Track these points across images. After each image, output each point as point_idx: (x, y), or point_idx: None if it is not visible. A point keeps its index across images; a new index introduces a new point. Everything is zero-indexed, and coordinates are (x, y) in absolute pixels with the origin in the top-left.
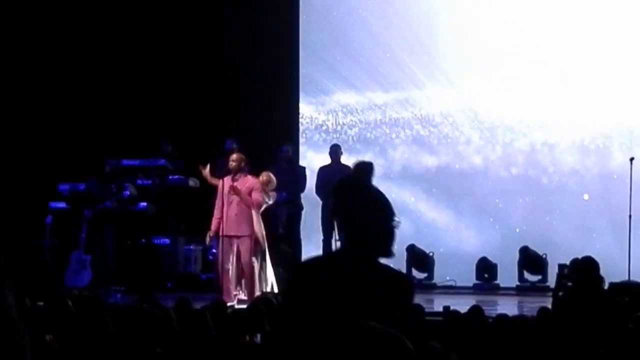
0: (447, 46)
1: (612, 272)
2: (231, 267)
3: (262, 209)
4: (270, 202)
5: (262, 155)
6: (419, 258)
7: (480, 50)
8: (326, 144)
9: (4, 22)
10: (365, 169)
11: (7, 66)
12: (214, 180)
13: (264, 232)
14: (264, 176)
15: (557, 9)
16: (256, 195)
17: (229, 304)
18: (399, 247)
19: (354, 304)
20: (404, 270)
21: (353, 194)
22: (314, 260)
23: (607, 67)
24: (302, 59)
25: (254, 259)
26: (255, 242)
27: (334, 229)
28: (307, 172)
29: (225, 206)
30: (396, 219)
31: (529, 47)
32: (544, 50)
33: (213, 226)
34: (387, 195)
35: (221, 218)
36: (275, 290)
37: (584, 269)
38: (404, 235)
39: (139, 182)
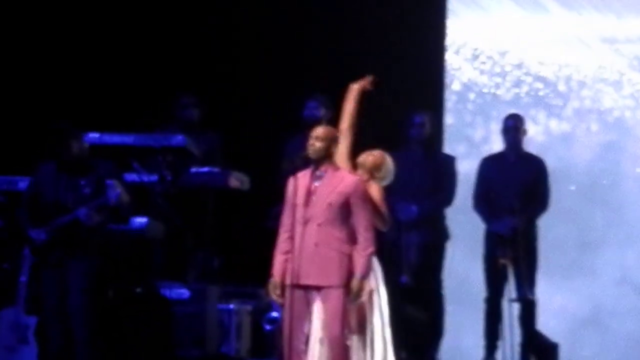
0: None
1: None
2: (307, 344)
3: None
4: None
5: (374, 130)
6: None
7: None
8: (493, 116)
9: None
10: None
11: None
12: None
13: (378, 280)
14: (368, 158)
15: None
16: (369, 212)
17: None
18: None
19: None
20: None
21: None
22: None
23: None
24: None
25: (348, 330)
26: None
27: (506, 279)
28: (458, 167)
29: (298, 229)
30: None
31: None
32: None
33: (276, 267)
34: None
35: (290, 252)
36: None
37: None
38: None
39: (134, 176)
